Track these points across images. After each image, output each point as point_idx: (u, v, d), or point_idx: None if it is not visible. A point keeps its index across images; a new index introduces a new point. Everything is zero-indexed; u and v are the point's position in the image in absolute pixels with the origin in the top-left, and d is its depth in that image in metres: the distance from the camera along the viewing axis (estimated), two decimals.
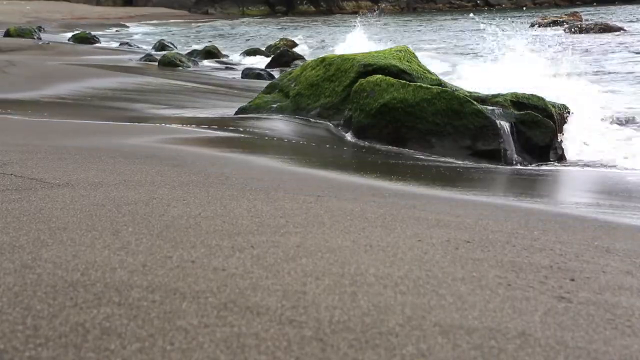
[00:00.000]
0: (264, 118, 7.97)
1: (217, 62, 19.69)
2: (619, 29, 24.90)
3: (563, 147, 7.48)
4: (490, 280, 2.37)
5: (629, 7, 47.50)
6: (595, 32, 24.28)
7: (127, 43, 26.06)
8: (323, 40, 28.52)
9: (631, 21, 30.35)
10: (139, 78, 12.75)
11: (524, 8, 57.33)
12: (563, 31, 25.37)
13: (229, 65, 18.64)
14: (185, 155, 4.83)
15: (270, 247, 2.59)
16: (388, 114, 7.25)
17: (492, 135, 7.09)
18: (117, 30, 37.28)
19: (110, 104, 9.19)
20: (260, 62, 19.63)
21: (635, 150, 7.39)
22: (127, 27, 42.31)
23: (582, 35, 24.15)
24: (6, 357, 1.63)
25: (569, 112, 7.90)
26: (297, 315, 1.96)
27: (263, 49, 23.46)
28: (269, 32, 34.50)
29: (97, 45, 25.22)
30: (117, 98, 9.84)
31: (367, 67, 7.81)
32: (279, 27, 39.05)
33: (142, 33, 35.72)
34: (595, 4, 56.07)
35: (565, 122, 7.79)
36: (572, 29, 25.24)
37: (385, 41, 21.41)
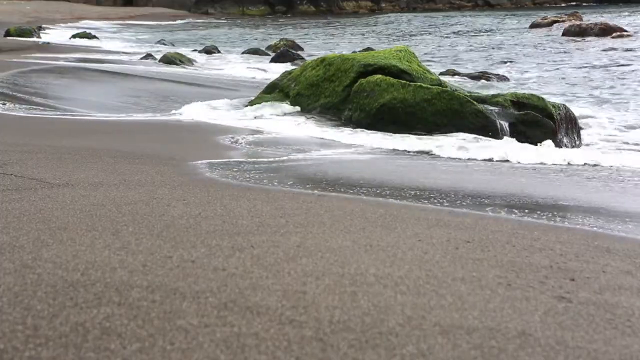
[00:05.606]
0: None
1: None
2: (620, 29, 24.83)
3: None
4: (490, 280, 2.37)
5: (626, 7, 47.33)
6: (595, 34, 24.17)
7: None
8: (322, 40, 28.47)
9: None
10: None
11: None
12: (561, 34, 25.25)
13: None
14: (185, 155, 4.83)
15: (270, 247, 2.59)
16: (388, 114, 7.24)
17: (492, 135, 7.09)
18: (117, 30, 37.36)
19: None
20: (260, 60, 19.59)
21: None
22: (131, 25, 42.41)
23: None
24: (6, 357, 1.63)
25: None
26: (297, 315, 1.96)
27: (263, 48, 23.43)
28: (268, 32, 34.49)
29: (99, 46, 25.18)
30: None
31: (367, 67, 7.81)
32: (279, 27, 39.02)
33: (144, 33, 35.71)
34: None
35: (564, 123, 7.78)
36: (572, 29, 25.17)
37: None
